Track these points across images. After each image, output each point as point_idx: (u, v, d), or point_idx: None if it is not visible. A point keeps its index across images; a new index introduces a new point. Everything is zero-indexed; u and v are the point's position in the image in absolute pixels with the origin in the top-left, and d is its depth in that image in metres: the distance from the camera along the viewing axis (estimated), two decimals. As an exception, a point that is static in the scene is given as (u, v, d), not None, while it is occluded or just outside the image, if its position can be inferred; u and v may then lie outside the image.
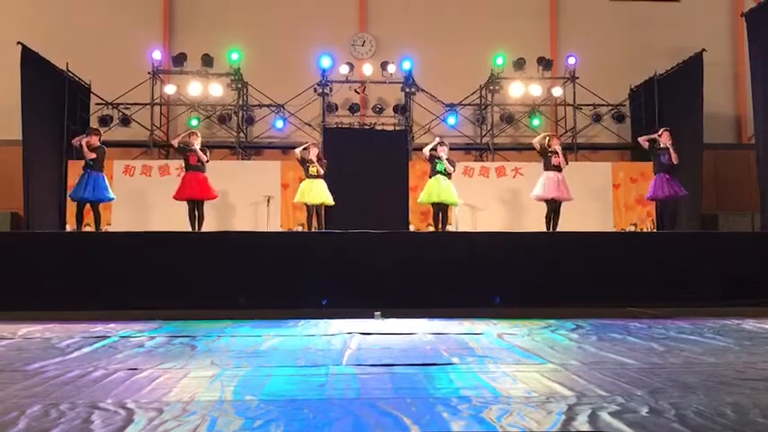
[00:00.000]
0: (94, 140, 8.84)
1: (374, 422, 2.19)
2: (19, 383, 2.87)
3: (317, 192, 9.19)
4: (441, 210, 9.31)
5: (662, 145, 8.99)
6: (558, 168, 9.06)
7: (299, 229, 10.51)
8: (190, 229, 8.79)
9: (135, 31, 12.76)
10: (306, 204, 9.30)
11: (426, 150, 9.37)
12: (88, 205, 8.79)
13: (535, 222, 9.84)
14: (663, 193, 8.92)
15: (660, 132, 9.18)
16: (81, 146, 8.78)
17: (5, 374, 3.11)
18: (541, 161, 9.32)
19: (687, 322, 5.33)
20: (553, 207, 9.05)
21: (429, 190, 9.32)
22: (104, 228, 10.24)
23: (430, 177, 9.37)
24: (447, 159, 9.31)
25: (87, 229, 8.99)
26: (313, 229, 9.18)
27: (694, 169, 10.82)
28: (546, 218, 9.08)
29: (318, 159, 9.28)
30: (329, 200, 9.28)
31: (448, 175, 9.36)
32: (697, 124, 11.01)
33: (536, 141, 9.38)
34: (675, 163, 8.86)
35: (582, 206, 10.23)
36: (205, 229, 9.02)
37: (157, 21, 13.19)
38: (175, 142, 9.40)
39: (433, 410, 2.35)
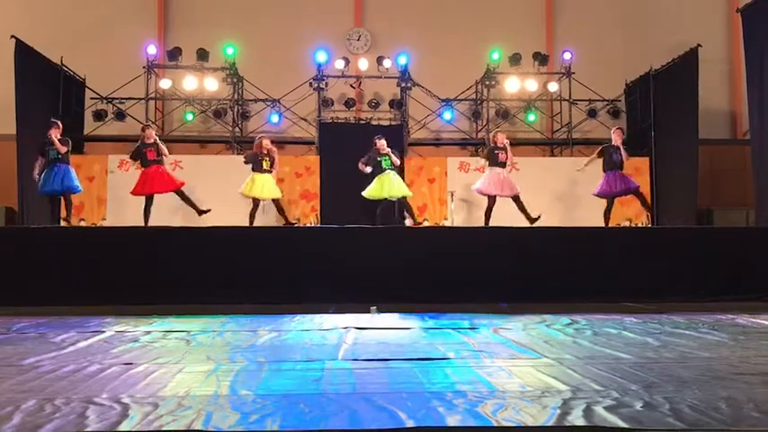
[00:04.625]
0: (57, 133, 8.59)
1: (370, 417, 2.19)
2: (14, 378, 2.86)
3: (267, 186, 9.02)
4: (394, 203, 9.21)
5: (614, 143, 9.05)
6: (503, 165, 9.02)
7: (295, 223, 10.50)
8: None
9: (130, 26, 12.73)
10: (253, 198, 9.14)
11: (361, 165, 9.18)
12: (61, 198, 8.72)
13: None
14: (616, 189, 9.00)
15: (613, 130, 9.31)
16: (52, 140, 8.49)
17: (0, 369, 3.10)
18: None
19: (682, 317, 5.35)
20: (493, 203, 8.96)
21: (377, 186, 9.15)
22: (99, 222, 10.22)
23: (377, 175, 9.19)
24: (392, 151, 9.18)
25: (82, 223, 8.96)
26: (254, 224, 8.96)
27: (690, 165, 10.85)
28: (485, 213, 8.97)
29: (269, 152, 9.06)
30: (278, 193, 9.20)
31: (395, 168, 9.26)
32: (692, 120, 11.03)
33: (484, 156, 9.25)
34: (625, 161, 9.04)
35: (577, 201, 10.22)
36: (201, 224, 8.98)
37: (152, 15, 13.13)
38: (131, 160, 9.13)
39: (428, 405, 2.35)
